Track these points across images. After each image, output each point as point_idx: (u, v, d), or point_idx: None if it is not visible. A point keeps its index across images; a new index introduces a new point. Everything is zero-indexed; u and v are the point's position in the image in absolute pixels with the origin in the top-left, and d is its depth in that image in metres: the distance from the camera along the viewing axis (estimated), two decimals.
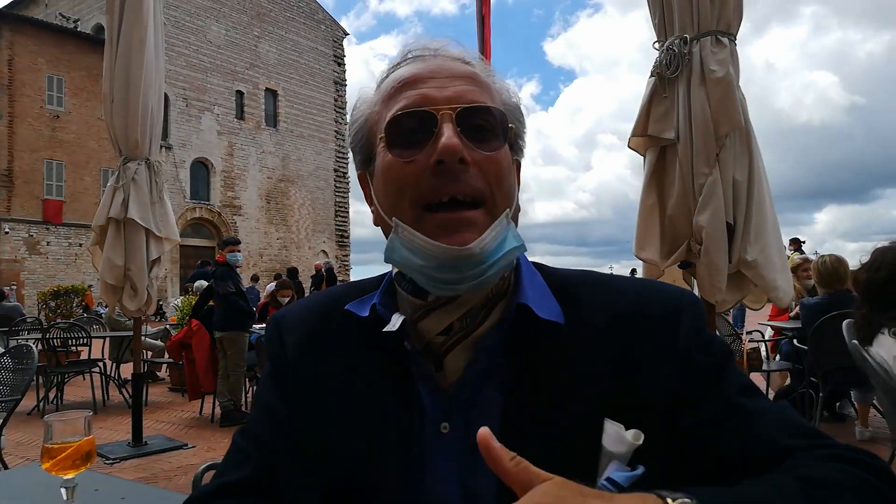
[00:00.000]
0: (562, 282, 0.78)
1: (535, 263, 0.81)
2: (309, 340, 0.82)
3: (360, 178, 0.81)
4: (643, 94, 2.75)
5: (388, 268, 0.79)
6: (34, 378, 3.89)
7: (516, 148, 0.79)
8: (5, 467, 3.24)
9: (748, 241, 2.55)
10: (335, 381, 0.78)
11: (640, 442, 0.65)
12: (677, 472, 0.66)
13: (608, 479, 0.63)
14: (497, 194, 0.71)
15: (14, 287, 21.18)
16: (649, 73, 2.76)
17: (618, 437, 0.66)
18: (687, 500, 0.52)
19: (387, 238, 0.75)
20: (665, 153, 2.72)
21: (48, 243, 27.39)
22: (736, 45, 2.68)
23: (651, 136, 2.71)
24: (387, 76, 0.78)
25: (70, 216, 28.04)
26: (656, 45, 2.74)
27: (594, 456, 0.66)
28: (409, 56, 0.77)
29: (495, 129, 0.72)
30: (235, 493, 0.78)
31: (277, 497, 0.78)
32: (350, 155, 0.83)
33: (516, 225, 0.76)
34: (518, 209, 0.77)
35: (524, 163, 0.82)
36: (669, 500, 0.52)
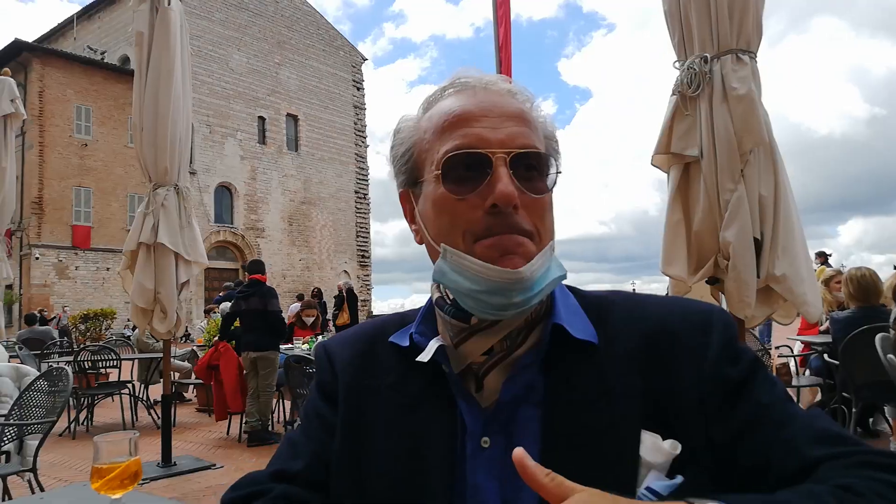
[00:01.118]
0: (593, 302, 0.81)
1: (566, 286, 0.84)
2: (356, 363, 0.86)
3: (402, 195, 0.85)
4: (665, 113, 2.77)
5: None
6: (68, 399, 3.95)
7: (553, 182, 0.80)
8: (41, 489, 3.30)
9: (776, 255, 2.54)
10: (380, 402, 0.81)
11: (678, 451, 0.67)
12: (715, 481, 0.68)
13: (648, 489, 0.66)
14: (542, 231, 0.74)
15: (67, 309, 21.67)
16: (671, 92, 2.77)
17: (655, 447, 0.68)
18: None
19: (431, 256, 0.79)
20: (689, 170, 2.73)
21: (76, 268, 27.93)
22: (756, 62, 2.69)
23: (674, 154, 2.73)
24: (435, 102, 0.81)
25: (98, 241, 28.60)
26: (676, 64, 2.76)
27: (633, 466, 0.68)
28: (458, 82, 0.80)
29: (542, 171, 0.76)
30: (290, 480, 0.81)
31: (327, 495, 0.80)
32: (392, 174, 0.85)
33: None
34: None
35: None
36: None
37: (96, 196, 28.96)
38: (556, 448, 0.71)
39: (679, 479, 0.66)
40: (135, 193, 30.16)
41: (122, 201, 29.74)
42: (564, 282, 0.85)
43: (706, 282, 2.70)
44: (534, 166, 0.75)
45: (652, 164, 2.86)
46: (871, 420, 5.11)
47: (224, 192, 32.75)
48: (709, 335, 0.74)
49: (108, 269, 28.77)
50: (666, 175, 2.85)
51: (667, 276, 2.74)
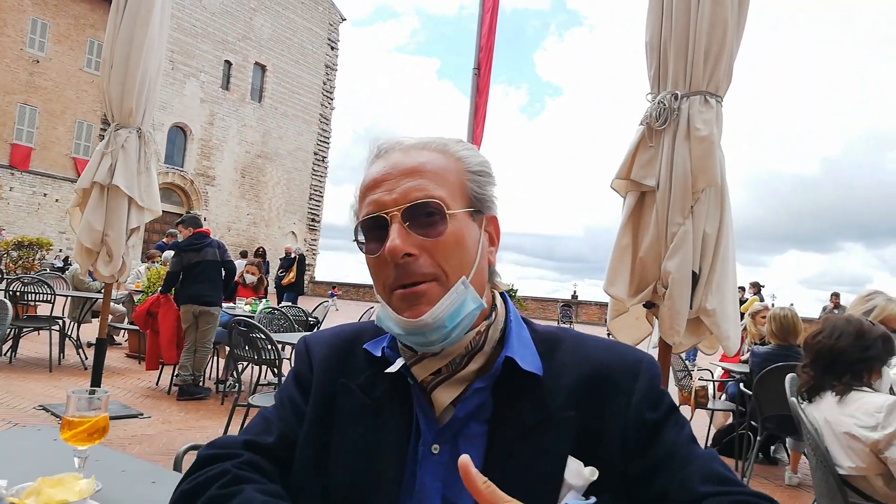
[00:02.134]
0: (544, 337, 0.94)
1: (523, 318, 0.96)
2: (332, 362, 0.97)
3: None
4: (631, 140, 2.91)
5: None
6: (7, 333, 3.88)
7: (485, 206, 0.92)
8: None
9: (710, 290, 2.72)
10: (349, 400, 0.92)
11: (595, 478, 0.81)
12: None
13: None
14: (448, 270, 0.85)
15: (3, 232, 20.68)
16: (639, 122, 2.92)
17: (577, 472, 0.82)
18: None
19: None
20: (644, 198, 2.88)
21: (11, 189, 26.72)
22: (722, 106, 2.86)
23: (633, 181, 2.87)
24: (364, 170, 0.93)
25: (38, 164, 27.40)
26: (649, 96, 2.90)
27: (557, 486, 0.81)
28: (375, 150, 0.93)
29: (441, 215, 0.85)
30: (258, 451, 0.92)
31: (288, 472, 0.91)
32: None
33: (490, 279, 0.92)
34: (492, 270, 0.94)
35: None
36: None
37: (42, 117, 27.69)
38: (497, 462, 0.83)
39: (593, 499, 0.80)
40: (84, 120, 28.96)
41: (69, 126, 28.52)
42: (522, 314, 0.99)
43: (643, 305, 2.88)
44: (425, 212, 0.85)
45: (611, 186, 3.00)
46: (772, 448, 5.50)
47: (178, 133, 31.78)
48: (637, 381, 0.87)
49: (45, 194, 27.64)
50: (622, 199, 3.01)
51: (608, 294, 2.90)
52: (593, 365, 0.89)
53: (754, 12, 2.89)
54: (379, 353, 0.93)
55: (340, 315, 18.12)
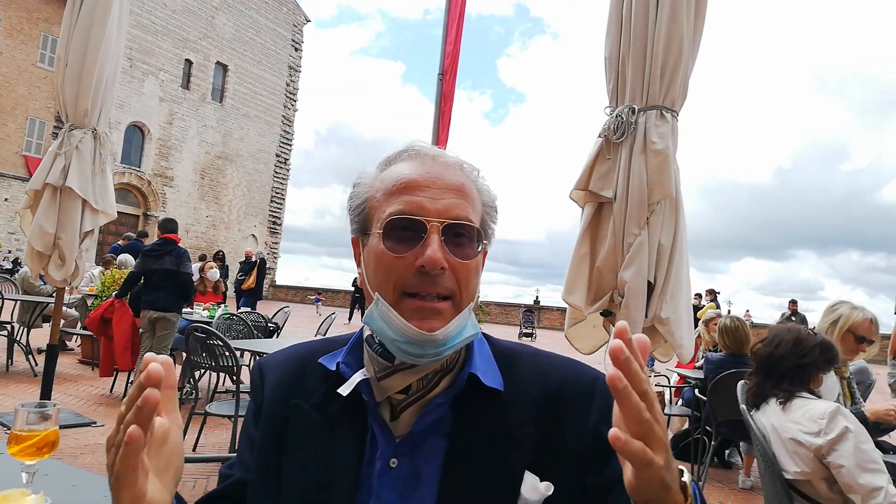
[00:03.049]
0: (504, 351, 0.96)
1: (484, 334, 0.98)
2: (285, 383, 0.97)
3: (353, 241, 0.95)
4: (589, 152, 2.98)
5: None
6: None
7: (489, 239, 0.94)
8: None
9: (665, 299, 2.79)
10: (302, 419, 0.92)
11: (550, 493, 0.83)
12: None
13: None
14: (464, 293, 0.87)
15: None
16: (597, 134, 2.98)
17: (533, 487, 0.84)
18: None
19: (366, 299, 0.91)
20: (601, 209, 2.94)
21: None
22: (678, 121, 2.94)
23: (591, 192, 2.93)
24: (390, 164, 0.93)
25: None
26: (607, 109, 2.97)
27: (513, 500, 0.83)
28: (412, 150, 0.92)
29: (472, 240, 0.88)
30: (219, 499, 0.93)
31: None
32: (348, 220, 0.96)
33: (476, 302, 0.93)
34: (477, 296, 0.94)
35: None
36: None
37: None
38: (454, 476, 0.85)
39: None
40: (36, 117, 28.07)
41: (20, 123, 27.60)
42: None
43: (601, 313, 2.94)
44: (465, 234, 0.87)
45: (570, 197, 3.06)
46: (727, 452, 5.65)
47: (135, 133, 31.05)
48: (592, 401, 0.90)
49: None
50: (581, 209, 3.06)
51: (566, 303, 2.95)
52: (551, 382, 0.91)
53: (710, 28, 2.98)
54: (333, 367, 0.93)
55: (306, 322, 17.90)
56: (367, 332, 0.93)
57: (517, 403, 0.89)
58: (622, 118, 2.88)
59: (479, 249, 0.89)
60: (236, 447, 1.01)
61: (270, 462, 0.90)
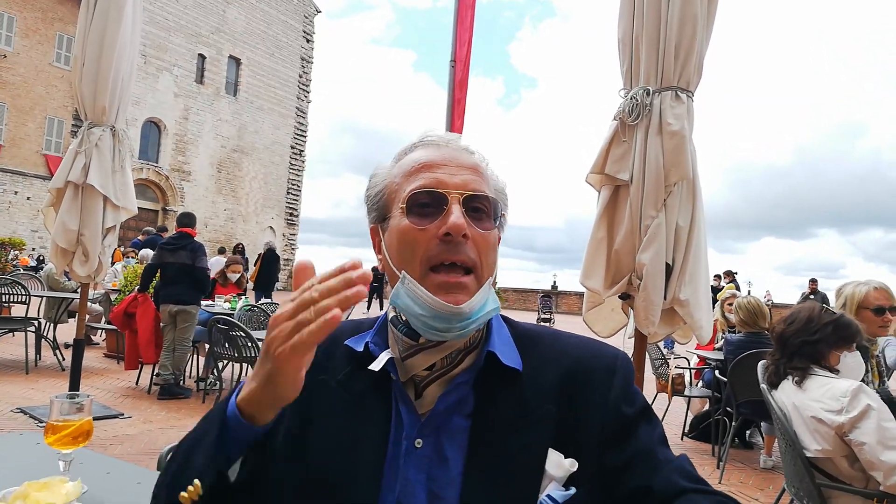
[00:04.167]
0: (523, 334, 0.98)
1: (502, 316, 0.99)
2: (312, 360, 0.98)
3: (372, 230, 0.98)
4: (605, 135, 2.96)
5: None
6: None
7: (501, 226, 0.97)
8: None
9: (683, 281, 2.78)
10: (329, 395, 0.94)
11: (574, 469, 0.85)
12: (601, 495, 0.86)
13: (548, 496, 0.84)
14: (484, 264, 0.90)
15: None
16: (612, 117, 2.96)
17: (557, 463, 0.86)
18: None
19: (390, 281, 0.93)
20: (618, 192, 2.93)
21: None
22: (693, 101, 2.91)
23: (607, 175, 2.92)
24: (405, 154, 0.96)
25: (7, 162, 26.82)
26: (622, 92, 2.95)
27: (538, 477, 0.85)
28: (426, 140, 0.96)
29: (490, 213, 0.91)
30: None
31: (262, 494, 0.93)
32: (365, 212, 1.00)
33: (494, 281, 0.95)
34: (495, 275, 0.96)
35: None
36: None
37: (10, 113, 27.08)
38: (479, 454, 0.87)
39: (573, 490, 0.84)
40: (55, 116, 28.41)
41: (39, 122, 27.95)
42: (500, 312, 1.02)
43: (619, 296, 2.94)
44: (483, 209, 0.90)
45: (586, 181, 3.05)
46: (748, 433, 5.63)
47: (152, 128, 31.32)
48: (613, 378, 0.92)
49: (15, 192, 27.09)
50: (597, 193, 3.06)
51: (584, 287, 2.95)
52: (571, 361, 0.93)
53: (724, 6, 2.95)
54: (361, 348, 0.95)
55: None
56: (391, 314, 0.95)
57: (537, 383, 0.91)
58: (637, 100, 2.86)
59: (496, 224, 0.93)
60: None
61: (295, 437, 0.92)
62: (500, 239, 0.98)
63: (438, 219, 0.87)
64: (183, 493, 0.78)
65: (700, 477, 0.88)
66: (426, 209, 0.88)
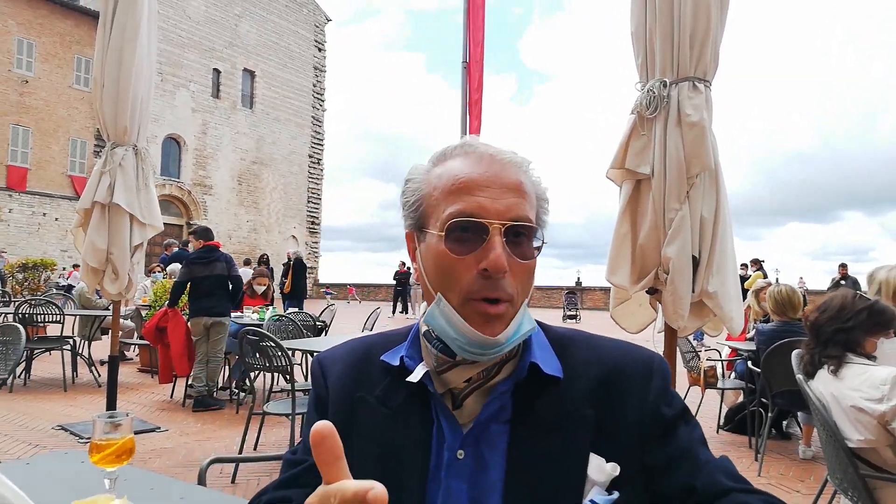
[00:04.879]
0: (559, 339, 0.97)
1: (537, 321, 0.99)
2: (347, 377, 0.99)
3: (407, 235, 0.97)
4: (624, 130, 2.94)
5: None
6: (22, 356, 3.92)
7: (543, 234, 0.93)
8: None
9: (711, 273, 2.75)
10: (368, 411, 0.95)
11: (617, 473, 0.85)
12: (644, 498, 0.86)
13: (591, 501, 0.84)
14: (521, 292, 0.88)
15: (5, 255, 20.73)
16: (630, 111, 2.94)
17: (599, 468, 0.85)
18: None
19: (426, 296, 0.93)
20: (640, 186, 2.90)
21: (10, 211, 26.73)
22: (711, 90, 2.88)
23: (628, 170, 2.90)
24: (444, 160, 0.93)
25: (35, 184, 27.40)
26: (638, 85, 2.93)
27: (581, 482, 0.85)
28: (468, 147, 0.92)
29: (531, 239, 0.88)
30: (289, 485, 0.96)
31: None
32: (401, 214, 0.97)
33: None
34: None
35: None
36: None
37: (35, 137, 27.67)
38: (519, 460, 0.87)
39: (616, 494, 0.84)
40: (78, 138, 28.96)
41: (63, 144, 28.51)
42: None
43: (646, 292, 2.91)
44: (524, 234, 0.87)
45: (606, 176, 3.03)
46: (784, 423, 5.55)
47: (172, 145, 31.79)
48: (651, 380, 0.91)
49: (44, 214, 27.66)
50: (618, 188, 3.04)
51: (611, 283, 2.93)
52: (608, 365, 0.92)
53: None
54: (397, 363, 0.95)
55: (345, 317, 18.15)
56: (423, 328, 0.94)
57: (575, 387, 0.90)
58: (654, 93, 2.84)
59: (537, 246, 0.90)
60: (297, 442, 1.04)
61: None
62: (539, 248, 0.94)
63: (478, 250, 0.84)
64: None
65: (742, 477, 0.88)
66: (465, 235, 0.85)
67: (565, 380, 0.91)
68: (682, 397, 0.95)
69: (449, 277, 0.86)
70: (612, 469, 0.85)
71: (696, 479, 0.85)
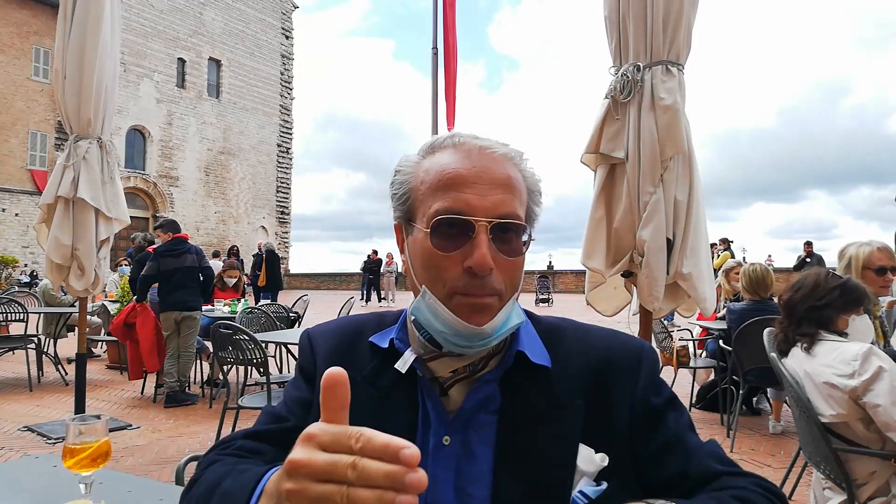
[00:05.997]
0: (548, 329, 0.96)
1: (525, 311, 0.98)
2: (336, 354, 0.98)
3: (396, 227, 0.95)
4: (597, 114, 2.94)
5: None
6: None
7: (534, 225, 0.92)
8: None
9: (685, 255, 2.78)
10: (354, 389, 0.92)
11: (606, 463, 0.85)
12: (635, 486, 0.86)
13: (580, 492, 0.83)
14: (509, 287, 0.86)
15: None
16: (603, 95, 2.94)
17: (588, 458, 0.85)
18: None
19: (411, 288, 0.92)
20: (614, 171, 2.91)
21: None
22: (684, 74, 2.89)
23: (602, 154, 2.91)
24: (433, 152, 0.91)
25: None
26: (612, 70, 2.93)
27: (570, 473, 0.84)
28: (457, 140, 0.90)
29: (519, 235, 0.86)
30: (261, 438, 0.94)
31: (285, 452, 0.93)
32: (390, 204, 0.95)
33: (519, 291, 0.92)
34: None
35: None
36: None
37: None
38: (508, 450, 0.86)
39: (605, 485, 0.84)
40: (37, 131, 28.14)
41: (21, 138, 27.68)
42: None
43: (621, 275, 2.93)
44: (512, 230, 0.85)
45: (581, 161, 3.03)
46: (755, 399, 5.67)
47: (136, 136, 31.11)
48: (640, 369, 0.91)
49: (3, 209, 26.88)
50: (593, 173, 3.04)
51: (586, 267, 2.94)
52: (597, 354, 0.92)
53: None
54: (386, 345, 0.93)
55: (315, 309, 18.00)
56: (412, 317, 0.92)
57: (565, 377, 0.90)
58: (628, 77, 2.84)
59: (525, 241, 0.88)
60: (281, 401, 1.01)
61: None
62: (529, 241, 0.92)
63: (464, 247, 0.83)
64: None
65: (731, 459, 0.88)
66: (451, 231, 0.83)
67: (554, 370, 0.90)
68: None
69: (435, 274, 0.85)
70: (601, 460, 0.84)
71: (686, 466, 0.85)
